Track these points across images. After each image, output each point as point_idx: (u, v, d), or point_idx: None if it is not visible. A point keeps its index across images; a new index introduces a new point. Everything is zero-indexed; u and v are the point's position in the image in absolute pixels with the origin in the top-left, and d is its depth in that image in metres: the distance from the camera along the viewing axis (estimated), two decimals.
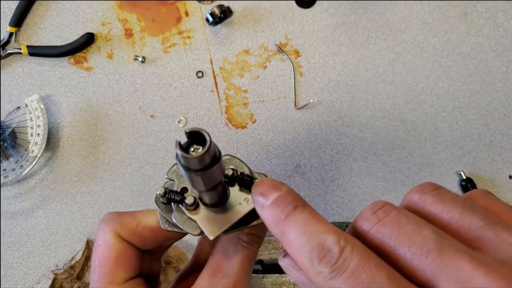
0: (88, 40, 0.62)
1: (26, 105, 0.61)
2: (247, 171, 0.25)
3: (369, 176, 0.60)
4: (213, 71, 0.62)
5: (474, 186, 0.58)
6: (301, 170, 0.61)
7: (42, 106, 0.60)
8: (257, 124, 0.62)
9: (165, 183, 0.26)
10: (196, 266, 0.31)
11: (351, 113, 0.61)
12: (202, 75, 0.62)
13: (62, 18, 0.64)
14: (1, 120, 0.62)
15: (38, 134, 0.60)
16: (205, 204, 0.25)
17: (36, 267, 0.62)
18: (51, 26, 0.64)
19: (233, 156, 0.26)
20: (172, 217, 0.25)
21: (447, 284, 0.17)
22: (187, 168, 0.20)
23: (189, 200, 0.24)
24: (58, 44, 0.63)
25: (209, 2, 0.62)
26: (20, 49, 0.62)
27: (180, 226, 0.25)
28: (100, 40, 0.63)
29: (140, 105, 0.63)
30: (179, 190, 0.25)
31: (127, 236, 0.28)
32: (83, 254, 0.59)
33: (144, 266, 0.30)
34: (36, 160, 0.59)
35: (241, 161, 0.26)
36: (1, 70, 0.64)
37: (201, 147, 0.19)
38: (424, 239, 0.18)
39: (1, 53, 0.63)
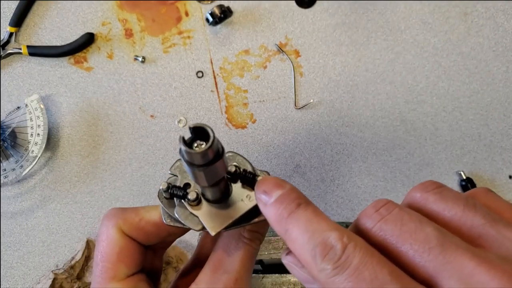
0: (88, 40, 0.62)
1: (26, 105, 0.61)
2: (249, 168, 0.25)
3: (369, 176, 0.60)
4: (213, 71, 0.62)
5: (474, 186, 0.58)
6: (301, 170, 0.61)
7: (42, 106, 0.60)
8: (257, 124, 0.62)
9: (168, 178, 0.26)
10: (198, 262, 0.31)
11: (351, 113, 0.61)
12: (202, 75, 0.62)
13: (62, 18, 0.64)
14: (1, 120, 0.62)
15: (38, 134, 0.60)
16: (207, 200, 0.25)
17: (36, 267, 0.62)
18: (51, 26, 0.64)
19: (236, 153, 0.26)
20: (175, 212, 0.25)
21: (449, 281, 0.17)
22: (190, 164, 0.20)
23: (191, 195, 0.24)
24: (58, 44, 0.63)
25: (209, 2, 0.62)
26: (20, 49, 0.62)
27: (182, 221, 0.25)
28: (100, 40, 0.63)
29: (140, 105, 0.63)
30: (182, 186, 0.25)
31: (129, 231, 0.28)
32: (83, 254, 0.59)
33: (147, 262, 0.30)
34: (36, 160, 0.59)
35: (244, 158, 0.26)
36: (1, 70, 0.64)
37: (204, 143, 0.20)
38: (426, 236, 0.18)
39: (1, 53, 0.63)
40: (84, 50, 0.63)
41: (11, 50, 0.63)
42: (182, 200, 0.25)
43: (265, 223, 0.27)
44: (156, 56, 0.63)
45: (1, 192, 0.63)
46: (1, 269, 0.62)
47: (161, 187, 0.25)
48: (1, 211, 0.63)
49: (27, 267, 0.62)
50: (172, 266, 0.59)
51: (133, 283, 0.27)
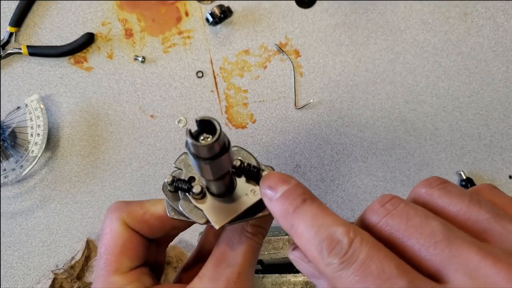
0: (88, 40, 0.62)
1: (26, 105, 0.61)
2: (254, 163, 0.25)
3: (369, 176, 0.60)
4: (213, 71, 0.62)
5: (474, 186, 0.58)
6: (301, 170, 0.61)
7: (42, 106, 0.60)
8: (257, 124, 0.62)
9: (173, 171, 0.26)
10: (201, 256, 0.31)
11: (351, 113, 0.61)
12: (202, 75, 0.62)
13: (62, 18, 0.64)
14: (1, 120, 0.62)
15: (38, 134, 0.60)
16: (212, 194, 0.25)
17: (36, 267, 0.62)
18: (51, 26, 0.64)
19: (241, 148, 0.26)
20: (179, 206, 0.25)
21: (455, 274, 0.17)
22: (196, 156, 0.20)
23: (196, 189, 0.24)
24: (58, 44, 0.63)
25: (209, 2, 0.62)
26: (20, 49, 0.62)
27: (187, 215, 0.25)
28: (100, 40, 0.63)
29: (140, 105, 0.63)
30: (186, 179, 0.25)
31: (133, 224, 0.28)
32: (83, 254, 0.59)
33: (150, 256, 0.30)
34: (36, 160, 0.59)
35: (249, 153, 0.26)
36: (1, 70, 0.64)
37: (211, 136, 0.20)
38: (432, 230, 0.18)
39: (1, 53, 0.63)
40: (84, 50, 0.63)
41: (11, 50, 0.63)
42: (187, 194, 0.25)
43: (268, 218, 0.27)
44: (156, 56, 0.63)
45: (1, 192, 0.63)
46: (1, 269, 0.62)
47: (165, 180, 0.25)
48: (1, 211, 0.63)
49: (27, 267, 0.62)
50: (172, 266, 0.59)
51: (136, 276, 0.28)
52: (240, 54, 0.62)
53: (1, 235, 0.63)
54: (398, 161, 0.60)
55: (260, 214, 0.25)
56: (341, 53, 0.61)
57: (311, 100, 0.61)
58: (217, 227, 0.24)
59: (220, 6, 0.59)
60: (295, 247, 0.22)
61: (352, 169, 0.60)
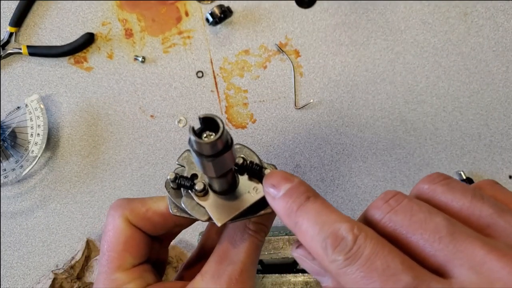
0: (88, 40, 0.62)
1: (26, 105, 0.61)
2: (256, 161, 0.25)
3: (369, 176, 0.60)
4: (213, 71, 0.62)
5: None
6: (301, 170, 0.61)
7: (42, 106, 0.60)
8: (257, 124, 0.62)
9: (176, 169, 0.26)
10: (203, 254, 0.31)
11: (351, 113, 0.61)
12: (202, 75, 0.62)
13: (62, 18, 0.64)
14: (1, 120, 0.62)
15: (38, 134, 0.60)
16: (214, 191, 0.25)
17: (36, 267, 0.62)
18: (51, 26, 0.64)
19: (244, 146, 0.26)
20: (181, 203, 0.25)
21: (460, 269, 0.17)
22: (199, 154, 0.20)
23: (198, 186, 0.24)
24: (58, 44, 0.63)
25: (209, 2, 0.62)
26: (20, 49, 0.62)
27: (189, 212, 0.25)
28: (100, 40, 0.63)
29: (140, 105, 0.63)
30: (189, 176, 0.25)
31: (136, 221, 0.28)
32: (83, 254, 0.59)
33: (152, 253, 0.30)
34: (36, 160, 0.59)
35: (252, 150, 0.26)
36: (1, 70, 0.64)
37: (214, 134, 0.20)
38: (436, 226, 0.18)
39: (1, 53, 0.63)
40: (84, 50, 0.63)
41: (11, 50, 0.63)
42: (189, 191, 0.25)
43: (270, 216, 0.27)
44: (156, 56, 0.63)
45: (1, 192, 0.63)
46: (1, 269, 0.62)
47: (168, 177, 0.25)
48: (1, 211, 0.63)
49: (27, 267, 0.62)
50: (172, 266, 0.59)
51: (138, 273, 0.28)
52: (240, 54, 0.62)
53: (1, 235, 0.63)
54: (398, 161, 0.60)
55: (262, 212, 0.25)
56: (341, 53, 0.61)
57: (311, 100, 0.61)
58: (219, 224, 0.24)
59: (220, 6, 0.59)
60: (299, 245, 0.22)
61: (352, 169, 0.60)
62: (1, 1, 0.64)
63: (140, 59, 0.62)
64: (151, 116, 0.63)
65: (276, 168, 0.25)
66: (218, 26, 0.62)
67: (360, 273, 0.18)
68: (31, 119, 0.60)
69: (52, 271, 0.58)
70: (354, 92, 0.61)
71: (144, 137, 0.62)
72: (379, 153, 0.60)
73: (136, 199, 0.29)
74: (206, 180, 0.25)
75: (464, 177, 0.58)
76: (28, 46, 0.62)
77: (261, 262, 0.51)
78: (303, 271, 0.51)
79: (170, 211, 0.26)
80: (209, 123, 0.20)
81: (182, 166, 0.26)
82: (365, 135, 0.60)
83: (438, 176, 0.22)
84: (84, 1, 0.63)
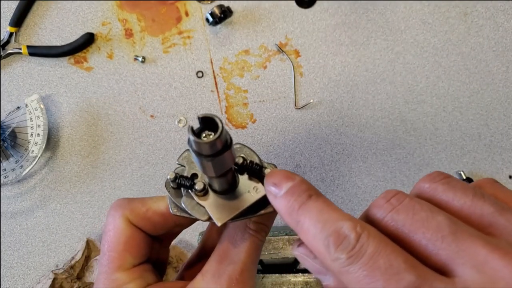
0: (88, 40, 0.62)
1: (26, 105, 0.61)
2: (257, 160, 0.25)
3: (369, 176, 0.60)
4: (213, 71, 0.62)
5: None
6: (301, 170, 0.61)
7: (42, 106, 0.60)
8: (257, 124, 0.62)
9: (176, 168, 0.26)
10: (204, 253, 0.31)
11: (351, 113, 0.61)
12: (202, 75, 0.62)
13: (62, 18, 0.64)
14: (1, 120, 0.62)
15: (38, 134, 0.60)
16: (214, 191, 0.25)
17: (36, 267, 0.62)
18: (51, 26, 0.64)
19: (244, 145, 0.26)
20: (181, 202, 0.25)
21: (463, 268, 0.17)
22: (198, 154, 0.20)
23: (198, 186, 0.24)
24: (58, 44, 0.63)
25: (209, 2, 0.62)
26: (20, 49, 0.62)
27: (189, 211, 0.25)
28: (100, 40, 0.63)
29: (140, 105, 0.63)
30: (189, 176, 0.25)
31: (136, 221, 0.28)
32: (83, 254, 0.59)
33: (153, 253, 0.30)
34: (36, 160, 0.59)
35: (252, 150, 0.26)
36: (1, 70, 0.64)
37: (213, 133, 0.20)
38: (438, 225, 0.18)
39: (1, 53, 0.63)
40: (84, 50, 0.63)
41: (11, 50, 0.63)
42: (189, 190, 0.25)
43: (271, 215, 0.27)
44: (156, 56, 0.63)
45: (1, 192, 0.63)
46: (1, 269, 0.62)
47: (168, 177, 0.25)
48: (1, 211, 0.63)
49: (27, 267, 0.62)
50: (172, 266, 0.59)
51: (138, 272, 0.28)
52: (240, 54, 0.62)
53: (1, 235, 0.63)
54: (398, 161, 0.60)
55: (262, 212, 0.25)
56: (341, 53, 0.61)
57: (311, 100, 0.61)
58: (219, 224, 0.24)
59: (220, 6, 0.59)
60: (300, 243, 0.22)
61: (352, 169, 0.60)
62: (1, 1, 0.64)
63: (140, 59, 0.62)
64: (151, 116, 0.63)
65: (276, 168, 0.25)
66: (218, 26, 0.62)
67: (363, 271, 0.18)
68: (31, 119, 0.60)
69: (52, 271, 0.58)
70: (354, 92, 0.61)
71: (144, 137, 0.62)
72: (379, 153, 0.60)
73: (136, 199, 0.29)
74: (206, 179, 0.25)
75: (464, 177, 0.58)
76: (28, 46, 0.62)
77: (261, 262, 0.51)
78: (303, 271, 0.51)
79: (170, 210, 0.26)
80: (208, 122, 0.20)
81: (182, 165, 0.26)
82: (365, 135, 0.60)
83: (438, 175, 0.22)
84: (84, 1, 0.63)
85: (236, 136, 0.62)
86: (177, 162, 0.26)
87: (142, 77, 0.63)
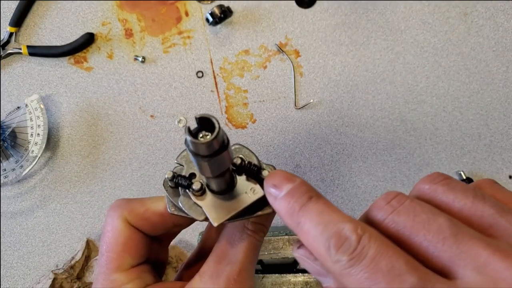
0: (88, 40, 0.62)
1: (26, 105, 0.61)
2: (255, 161, 0.25)
3: (369, 176, 0.60)
4: (213, 71, 0.62)
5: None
6: (301, 170, 0.61)
7: (42, 106, 0.60)
8: (257, 124, 0.62)
9: (174, 167, 0.26)
10: (202, 254, 0.31)
11: (351, 113, 0.61)
12: (202, 75, 0.62)
13: (62, 18, 0.64)
14: (1, 120, 0.62)
15: (38, 134, 0.60)
16: (212, 191, 0.25)
17: (36, 267, 0.62)
18: (51, 26, 0.64)
19: (243, 146, 0.26)
20: (179, 202, 0.25)
21: (464, 270, 0.17)
22: (195, 154, 0.20)
23: (196, 185, 0.24)
24: (58, 44, 0.63)
25: (209, 2, 0.62)
26: (20, 49, 0.62)
27: (186, 211, 0.25)
28: (100, 40, 0.63)
29: (140, 105, 0.63)
30: (187, 175, 0.25)
31: (135, 221, 0.28)
32: (83, 254, 0.59)
33: (152, 253, 0.30)
34: (36, 160, 0.59)
35: (251, 151, 0.26)
36: (1, 70, 0.64)
37: (210, 134, 0.20)
38: (440, 226, 0.18)
39: (1, 53, 0.63)
40: (84, 50, 0.63)
41: (11, 50, 0.63)
42: (187, 190, 0.25)
43: (269, 216, 0.27)
44: (156, 56, 0.63)
45: (1, 192, 0.63)
46: (1, 269, 0.62)
47: (166, 176, 0.25)
48: (1, 211, 0.63)
49: (27, 267, 0.62)
50: (172, 266, 0.59)
51: (137, 273, 0.28)
52: (240, 54, 0.62)
53: (1, 235, 0.63)
54: (398, 161, 0.60)
55: (260, 213, 0.25)
56: (341, 53, 0.61)
57: (311, 100, 0.61)
58: (215, 224, 0.24)
59: (220, 6, 0.59)
60: (300, 245, 0.22)
61: (352, 169, 0.60)
62: (1, 1, 0.64)
63: (140, 59, 0.62)
64: (151, 116, 0.63)
65: (275, 169, 0.25)
66: (218, 26, 0.62)
67: (365, 274, 0.18)
68: (31, 119, 0.60)
69: (52, 271, 0.58)
70: (354, 92, 0.61)
71: (144, 137, 0.62)
72: (379, 153, 0.60)
73: (135, 200, 0.29)
74: (204, 179, 0.25)
75: (464, 177, 0.58)
76: (28, 46, 0.62)
77: (261, 262, 0.51)
78: (303, 271, 0.51)
79: (168, 209, 0.26)
80: (205, 123, 0.20)
81: (181, 164, 0.26)
82: (365, 135, 0.60)
83: (438, 176, 0.22)
84: (84, 1, 0.63)
85: (236, 136, 0.62)
86: (175, 161, 0.26)
87: (142, 77, 0.63)
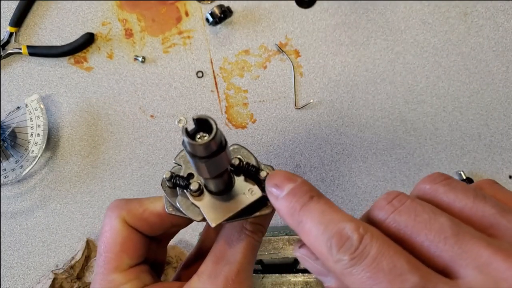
0: (88, 40, 0.62)
1: (26, 105, 0.61)
2: (253, 162, 0.25)
3: (369, 176, 0.60)
4: (213, 71, 0.62)
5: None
6: (301, 170, 0.61)
7: (42, 106, 0.60)
8: (257, 124, 0.62)
9: (173, 167, 0.26)
10: (201, 254, 0.31)
11: (351, 113, 0.61)
12: (202, 75, 0.62)
13: (62, 18, 0.64)
14: (1, 120, 0.62)
15: (38, 134, 0.60)
16: (210, 192, 0.25)
17: (36, 267, 0.62)
18: (51, 26, 0.64)
19: (242, 146, 0.26)
20: (177, 202, 0.25)
21: (466, 270, 0.17)
22: (193, 155, 0.20)
23: (193, 186, 0.24)
24: (58, 44, 0.63)
25: (209, 2, 0.62)
26: (20, 49, 0.62)
27: (184, 211, 0.25)
28: (100, 40, 0.63)
29: (140, 105, 0.63)
30: (185, 176, 0.25)
31: (133, 222, 0.28)
32: (83, 254, 0.59)
33: (150, 253, 0.30)
34: (36, 160, 0.59)
35: (249, 151, 0.26)
36: (1, 70, 0.64)
37: (207, 135, 0.20)
38: (441, 226, 0.18)
39: (1, 53, 0.63)
40: (84, 50, 0.63)
41: (11, 50, 0.63)
42: (185, 190, 0.25)
43: (267, 217, 0.27)
44: (156, 56, 0.63)
45: (1, 192, 0.63)
46: (1, 269, 0.62)
47: (164, 176, 0.25)
48: (1, 211, 0.63)
49: (27, 267, 0.62)
50: (172, 266, 0.59)
51: (135, 273, 0.28)
52: (240, 54, 0.62)
53: (1, 235, 0.63)
54: (398, 161, 0.60)
55: (258, 214, 0.25)
56: (341, 53, 0.61)
57: (311, 100, 0.61)
58: (212, 225, 0.24)
59: (220, 6, 0.59)
60: (302, 244, 0.22)
61: (352, 169, 0.60)
62: (1, 1, 0.64)
63: (140, 59, 0.62)
64: (151, 116, 0.63)
65: (273, 169, 0.25)
66: (218, 26, 0.62)
67: (366, 273, 0.18)
68: (31, 119, 0.60)
69: (52, 271, 0.58)
70: (354, 92, 0.61)
71: (144, 137, 0.62)
72: (379, 153, 0.60)
73: (133, 200, 0.29)
74: (202, 180, 0.25)
75: (464, 177, 0.58)
76: (28, 46, 0.62)
77: (261, 262, 0.51)
78: (303, 271, 0.51)
79: (166, 210, 0.26)
80: (203, 124, 0.20)
81: (179, 165, 0.26)
82: (365, 135, 0.60)
83: (439, 176, 0.22)
84: (84, 1, 0.63)
85: (236, 136, 0.62)
86: (174, 161, 0.26)
87: (142, 77, 0.63)
